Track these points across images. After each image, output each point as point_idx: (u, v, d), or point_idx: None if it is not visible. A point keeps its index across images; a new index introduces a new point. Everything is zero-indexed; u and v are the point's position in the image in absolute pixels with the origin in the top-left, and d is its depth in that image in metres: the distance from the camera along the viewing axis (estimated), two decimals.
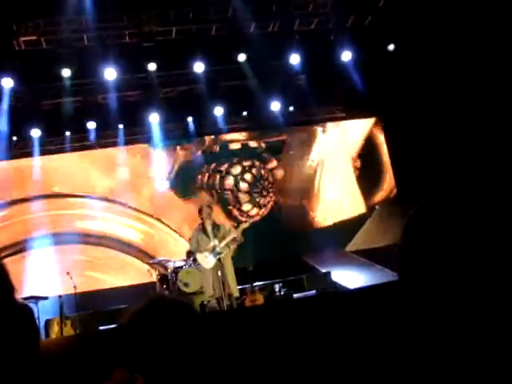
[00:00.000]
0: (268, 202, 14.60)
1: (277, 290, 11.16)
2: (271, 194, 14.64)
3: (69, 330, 10.19)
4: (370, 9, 12.61)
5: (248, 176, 14.63)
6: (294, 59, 12.82)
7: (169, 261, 11.10)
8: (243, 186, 14.57)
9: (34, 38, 11.80)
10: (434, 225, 1.12)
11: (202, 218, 10.06)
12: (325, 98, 13.83)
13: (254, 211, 14.43)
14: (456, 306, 1.07)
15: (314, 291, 11.13)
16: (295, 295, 10.95)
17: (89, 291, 12.06)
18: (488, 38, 10.94)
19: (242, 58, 12.77)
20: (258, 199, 14.56)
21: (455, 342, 1.08)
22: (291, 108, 14.52)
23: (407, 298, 1.17)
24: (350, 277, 12.09)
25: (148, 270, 11.20)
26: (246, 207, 14.45)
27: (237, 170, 14.63)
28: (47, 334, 10.22)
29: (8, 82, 11.89)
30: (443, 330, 1.09)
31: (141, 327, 1.87)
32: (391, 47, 13.30)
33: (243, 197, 14.50)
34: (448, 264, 1.08)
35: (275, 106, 14.09)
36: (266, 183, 14.68)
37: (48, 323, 10.53)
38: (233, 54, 12.71)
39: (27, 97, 12.69)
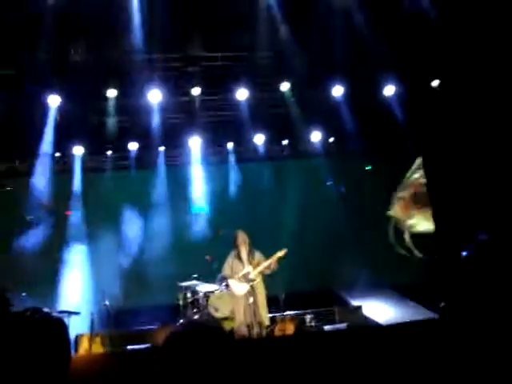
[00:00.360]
0: None
1: (307, 320, 11.09)
2: None
3: (98, 347, 10.25)
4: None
5: None
6: (337, 91, 12.88)
7: (201, 284, 11.09)
8: None
9: (84, 56, 12.01)
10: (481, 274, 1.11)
11: (237, 244, 10.06)
12: (365, 132, 13.73)
13: None
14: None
15: (344, 324, 11.02)
16: (325, 327, 10.85)
17: (121, 309, 12.10)
18: None
19: (285, 87, 12.84)
20: None
21: None
22: (331, 139, 14.51)
23: (444, 338, 1.15)
24: (382, 311, 11.94)
25: (181, 293, 11.17)
26: None
27: None
28: (76, 350, 10.29)
29: (55, 99, 12.16)
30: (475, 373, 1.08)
31: (177, 350, 1.87)
32: (435, 83, 13.22)
33: None
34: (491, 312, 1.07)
35: (316, 136, 14.11)
36: None
37: (78, 338, 10.62)
38: (277, 83, 12.79)
39: (72, 114, 12.92)
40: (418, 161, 14.58)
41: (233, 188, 14.41)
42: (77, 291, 12.56)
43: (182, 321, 10.37)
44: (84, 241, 13.54)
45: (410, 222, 13.51)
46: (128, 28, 11.16)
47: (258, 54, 12.50)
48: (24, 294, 10.60)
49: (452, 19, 11.02)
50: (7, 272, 12.15)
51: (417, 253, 10.25)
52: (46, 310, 2.20)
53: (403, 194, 14.08)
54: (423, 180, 14.18)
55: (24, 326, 2.08)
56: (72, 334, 10.11)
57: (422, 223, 13.81)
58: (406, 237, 13.35)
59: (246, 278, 9.87)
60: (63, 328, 2.23)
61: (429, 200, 13.57)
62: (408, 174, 14.10)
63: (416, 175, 14.12)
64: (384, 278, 14.14)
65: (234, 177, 14.51)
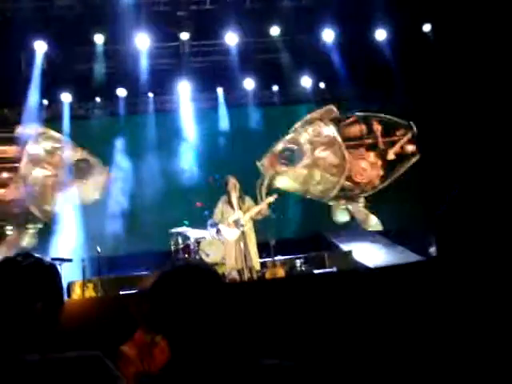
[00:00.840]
0: None
1: (298, 265, 11.23)
2: None
3: (90, 293, 10.36)
4: None
5: None
6: (328, 35, 12.75)
7: (192, 230, 11.16)
8: None
9: (69, 2, 11.81)
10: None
11: (227, 190, 10.07)
12: (356, 78, 13.59)
13: None
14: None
15: (334, 268, 11.16)
16: (316, 271, 10.99)
17: (113, 255, 12.19)
18: None
19: (275, 31, 12.68)
20: None
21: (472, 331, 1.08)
22: (322, 85, 14.40)
23: (435, 279, 1.17)
24: (372, 256, 12.07)
25: (172, 239, 11.24)
26: None
27: None
28: (69, 296, 10.38)
29: (41, 46, 12.00)
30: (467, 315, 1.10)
31: (166, 290, 1.90)
32: (427, 27, 13.11)
33: None
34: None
35: (306, 81, 14.01)
36: None
37: (70, 285, 10.71)
38: (266, 27, 12.64)
39: (59, 61, 12.76)
40: (308, 116, 14.67)
41: (222, 133, 14.34)
42: (68, 238, 12.61)
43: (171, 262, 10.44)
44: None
45: (273, 175, 13.83)
46: None
47: None
48: None
49: None
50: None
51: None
52: (37, 255, 2.21)
53: (276, 147, 14.29)
54: (302, 137, 14.35)
55: (15, 271, 2.10)
56: (64, 282, 10.19)
57: (281, 179, 14.10)
58: (263, 188, 13.66)
59: (236, 224, 9.92)
60: (55, 273, 2.24)
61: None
62: (291, 129, 14.27)
63: (293, 134, 14.30)
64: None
65: (223, 122, 14.42)
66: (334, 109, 14.72)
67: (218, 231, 10.34)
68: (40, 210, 13.59)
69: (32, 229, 13.50)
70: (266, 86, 14.32)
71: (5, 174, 13.64)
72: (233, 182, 10.01)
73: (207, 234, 10.88)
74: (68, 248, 12.09)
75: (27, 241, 13.36)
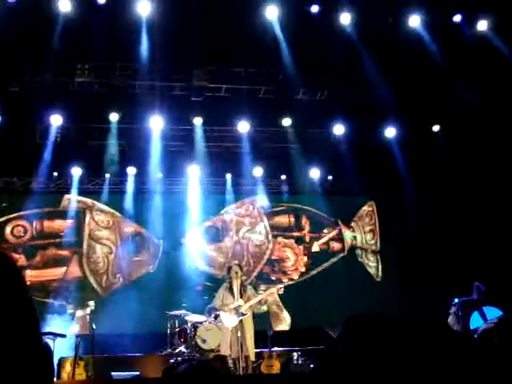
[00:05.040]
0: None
1: (294, 358, 10.99)
2: None
3: (81, 371, 10.12)
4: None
5: None
6: (338, 129, 13.03)
7: (190, 314, 11.01)
8: None
9: (89, 79, 12.10)
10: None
11: (229, 277, 10.02)
12: (363, 172, 13.72)
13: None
14: None
15: None
16: (312, 365, 10.75)
17: (107, 334, 11.99)
18: None
19: (286, 122, 12.95)
20: None
21: None
22: (330, 177, 14.53)
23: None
24: None
25: (168, 322, 11.08)
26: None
27: None
28: (59, 373, 10.17)
29: (57, 119, 12.25)
30: None
31: None
32: (436, 128, 13.39)
33: None
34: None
35: (314, 173, 14.15)
36: None
37: (61, 361, 10.48)
38: (278, 118, 12.92)
39: (73, 135, 12.98)
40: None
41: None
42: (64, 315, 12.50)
43: (179, 359, 10.18)
44: None
45: None
46: (136, 54, 11.27)
47: (261, 88, 12.64)
48: None
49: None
50: None
51: None
52: None
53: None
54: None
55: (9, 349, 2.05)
56: (56, 357, 9.99)
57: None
58: None
59: (236, 311, 9.80)
60: (48, 354, 2.19)
61: None
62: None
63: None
64: None
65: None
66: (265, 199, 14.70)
67: (217, 317, 10.22)
68: (100, 286, 13.56)
69: (91, 306, 13.33)
70: (274, 176, 14.43)
71: (61, 252, 13.65)
72: (235, 270, 9.96)
73: (205, 319, 10.73)
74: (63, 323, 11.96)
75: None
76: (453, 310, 10.90)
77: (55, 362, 9.99)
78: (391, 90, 11.99)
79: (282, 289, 10.39)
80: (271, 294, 10.30)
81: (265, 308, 10.11)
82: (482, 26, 11.10)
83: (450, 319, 10.84)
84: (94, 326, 10.73)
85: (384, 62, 11.27)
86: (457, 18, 11.01)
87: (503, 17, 10.91)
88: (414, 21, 10.93)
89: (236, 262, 10.39)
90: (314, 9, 10.62)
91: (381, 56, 11.18)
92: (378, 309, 12.60)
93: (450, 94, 12.04)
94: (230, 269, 10.08)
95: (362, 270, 14.93)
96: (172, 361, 9.93)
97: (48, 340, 9.84)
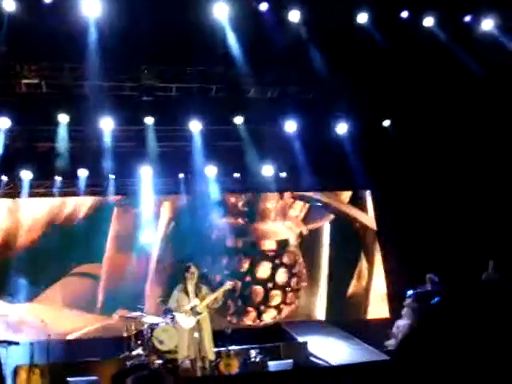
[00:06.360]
0: None
1: (252, 355, 11.01)
2: None
3: (37, 379, 9.94)
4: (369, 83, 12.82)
5: None
6: (290, 126, 13.08)
7: (146, 316, 10.93)
8: None
9: (36, 81, 11.87)
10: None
11: (185, 277, 9.96)
12: (316, 168, 13.79)
13: None
14: None
15: (289, 360, 10.99)
16: (270, 363, 10.80)
17: (63, 340, 11.83)
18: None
19: (239, 120, 12.94)
20: None
21: None
22: (283, 174, 14.56)
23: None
24: (327, 349, 11.93)
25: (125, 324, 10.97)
26: None
27: None
28: (14, 382, 9.96)
29: (5, 122, 11.97)
30: None
31: None
32: (387, 123, 13.56)
33: None
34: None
35: (268, 170, 14.14)
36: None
37: (17, 369, 10.26)
38: (230, 116, 12.90)
39: (22, 138, 12.72)
40: None
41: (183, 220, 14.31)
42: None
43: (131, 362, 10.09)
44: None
45: None
46: (84, 54, 11.08)
47: (213, 86, 12.61)
48: None
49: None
50: None
51: None
52: None
53: None
54: None
55: None
56: (11, 365, 9.81)
57: None
58: None
59: (192, 312, 9.77)
60: None
61: None
62: None
63: None
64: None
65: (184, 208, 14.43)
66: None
67: (173, 318, 10.17)
68: None
69: None
70: (227, 174, 14.38)
71: None
72: (192, 270, 9.91)
73: (162, 320, 10.67)
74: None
75: None
76: (407, 302, 11.08)
77: (10, 370, 9.82)
78: (342, 86, 12.13)
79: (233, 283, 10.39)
80: (226, 291, 10.26)
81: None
82: (428, 22, 11.28)
83: (405, 312, 11.02)
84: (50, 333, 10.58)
85: (334, 58, 11.35)
86: (404, 14, 11.16)
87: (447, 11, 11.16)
88: (362, 17, 11.03)
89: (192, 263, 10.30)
90: (264, 6, 10.64)
91: (331, 52, 11.25)
92: None
93: (401, 88, 12.26)
94: (187, 269, 10.00)
95: None
96: (128, 363, 9.89)
97: (0, 349, 9.69)
